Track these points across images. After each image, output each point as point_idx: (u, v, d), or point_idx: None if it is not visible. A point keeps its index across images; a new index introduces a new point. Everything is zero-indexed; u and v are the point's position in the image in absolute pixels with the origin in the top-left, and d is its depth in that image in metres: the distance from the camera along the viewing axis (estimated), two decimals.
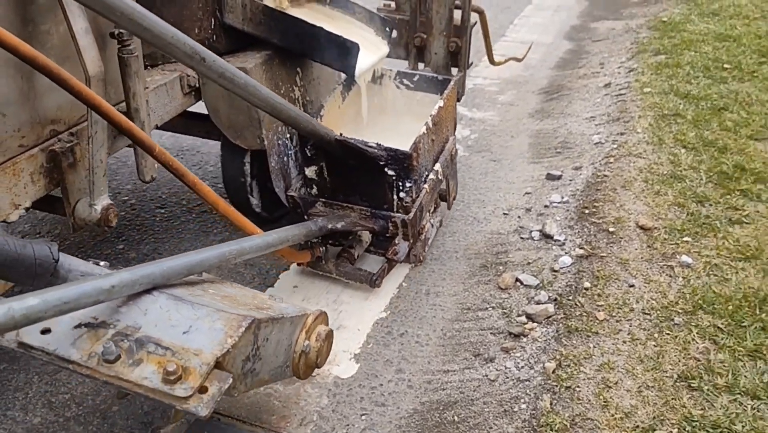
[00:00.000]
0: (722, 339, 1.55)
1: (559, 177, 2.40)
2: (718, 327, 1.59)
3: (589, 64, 3.58)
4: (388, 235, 1.73)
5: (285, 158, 1.78)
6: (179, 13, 1.58)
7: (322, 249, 1.81)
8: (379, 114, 2.03)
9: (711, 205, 2.10)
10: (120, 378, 1.02)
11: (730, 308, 1.64)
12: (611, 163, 2.40)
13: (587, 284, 1.76)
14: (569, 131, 2.77)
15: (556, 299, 1.74)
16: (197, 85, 1.67)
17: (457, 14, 2.05)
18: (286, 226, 1.57)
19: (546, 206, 2.23)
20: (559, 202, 2.23)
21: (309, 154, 1.68)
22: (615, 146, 2.52)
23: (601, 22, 4.40)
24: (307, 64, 1.87)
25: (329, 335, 1.33)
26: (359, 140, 1.60)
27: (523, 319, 1.69)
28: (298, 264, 1.84)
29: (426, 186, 1.77)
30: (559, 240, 2.01)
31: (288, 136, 1.79)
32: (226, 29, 1.68)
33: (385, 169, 1.64)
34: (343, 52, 1.67)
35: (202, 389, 1.01)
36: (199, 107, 1.74)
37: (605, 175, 2.31)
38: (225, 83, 1.28)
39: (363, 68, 1.74)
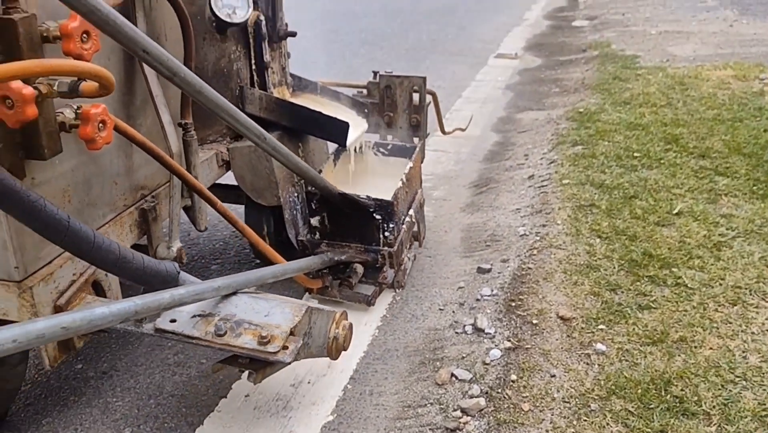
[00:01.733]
0: (633, 422, 1.74)
1: (489, 270, 2.61)
2: (629, 411, 1.78)
3: (514, 156, 3.88)
4: (377, 265, 2.36)
5: (294, 212, 2.34)
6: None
7: (329, 278, 2.37)
8: (362, 175, 2.69)
9: (623, 292, 2.33)
10: (230, 345, 1.55)
11: (639, 391, 1.84)
12: (534, 255, 2.63)
13: (514, 376, 1.95)
14: (497, 224, 3.01)
15: (487, 392, 1.91)
16: (227, 159, 2.20)
17: (416, 96, 2.70)
18: (307, 258, 2.24)
19: (477, 300, 2.43)
20: (489, 296, 2.43)
21: (314, 207, 2.33)
22: (538, 238, 2.76)
23: (525, 113, 4.75)
24: (306, 139, 2.43)
25: (351, 327, 1.83)
26: (354, 194, 2.24)
27: (458, 413, 1.85)
28: (308, 291, 2.39)
29: (404, 226, 2.44)
30: (490, 333, 2.20)
31: (296, 195, 2.36)
32: (246, 114, 2.10)
33: (374, 215, 2.28)
34: (337, 129, 2.26)
35: (285, 347, 1.56)
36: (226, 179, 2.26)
37: (529, 268, 2.53)
38: (275, 154, 1.83)
39: (351, 140, 2.38)
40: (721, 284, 2.38)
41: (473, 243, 2.88)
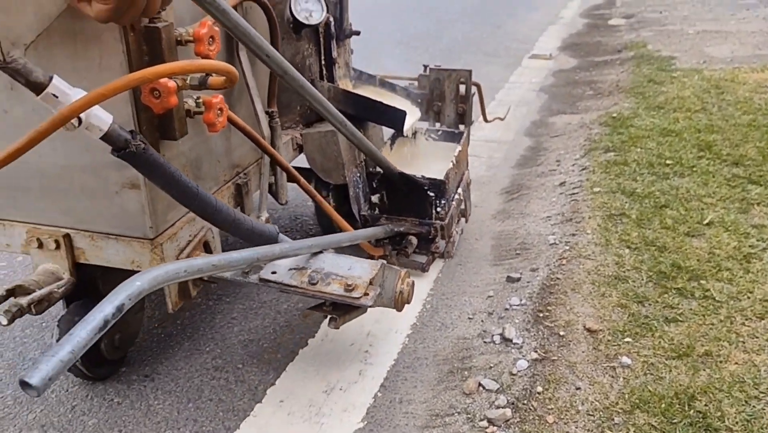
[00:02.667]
0: None
1: (518, 279, 2.66)
2: (653, 425, 1.83)
3: (546, 162, 3.91)
4: (430, 237, 2.70)
5: (357, 190, 2.65)
6: (294, 96, 2.44)
7: (389, 248, 2.71)
8: (415, 158, 3.00)
9: (650, 304, 2.36)
10: (322, 292, 1.86)
11: (663, 405, 1.89)
12: (563, 264, 2.67)
13: (540, 388, 2.00)
14: (528, 232, 3.05)
15: (513, 403, 1.97)
16: (300, 143, 2.52)
17: (462, 88, 3.02)
18: (372, 227, 2.62)
19: (506, 309, 2.48)
20: (517, 305, 2.49)
21: (374, 186, 2.71)
22: (567, 248, 2.80)
23: (558, 117, 4.77)
24: (366, 125, 2.68)
25: (413, 284, 2.09)
26: (411, 173, 2.60)
27: (485, 423, 1.91)
28: (370, 257, 2.51)
29: (453, 203, 2.77)
30: (518, 343, 2.25)
31: (359, 175, 2.66)
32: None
33: (428, 192, 2.62)
34: (396, 117, 2.55)
35: (366, 294, 1.86)
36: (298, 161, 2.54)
37: (558, 278, 2.58)
38: (351, 137, 2.20)
39: (407, 127, 2.69)
40: (749, 298, 2.40)
41: (503, 251, 2.93)
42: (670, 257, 2.64)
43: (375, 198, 2.73)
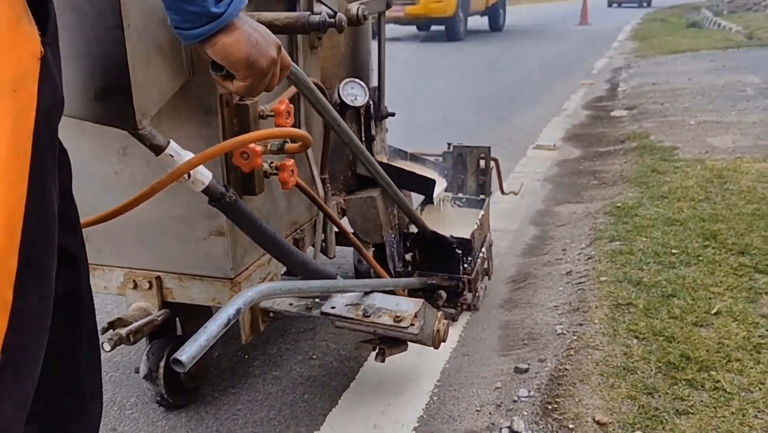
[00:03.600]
0: None
1: (526, 370, 2.64)
2: None
3: (552, 251, 3.93)
4: (458, 290, 3.05)
5: (392, 249, 2.97)
6: (337, 165, 2.79)
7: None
8: (442, 222, 3.32)
9: (660, 396, 2.33)
10: (375, 323, 2.15)
11: None
12: (571, 355, 2.65)
13: None
14: (535, 322, 3.05)
15: None
16: (344, 207, 2.85)
17: (482, 162, 3.48)
18: (408, 278, 3.01)
19: (514, 401, 2.45)
20: (526, 397, 2.46)
21: (407, 245, 3.08)
22: (575, 338, 2.79)
23: (563, 206, 4.83)
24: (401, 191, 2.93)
25: (448, 325, 2.39)
26: (443, 234, 2.98)
27: None
28: None
29: (478, 260, 3.15)
30: None
31: (393, 236, 2.99)
32: (356, 175, 2.92)
33: (456, 249, 2.98)
34: (426, 185, 3.02)
35: (412, 324, 2.14)
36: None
37: (566, 369, 2.56)
38: (392, 194, 2.69)
39: (436, 193, 3.12)
40: (761, 389, 2.37)
41: (511, 341, 2.92)
42: (678, 347, 2.62)
43: (408, 256, 3.09)
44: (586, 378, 2.47)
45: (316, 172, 2.44)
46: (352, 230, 2.82)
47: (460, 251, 2.98)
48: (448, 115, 8.33)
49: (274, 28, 1.68)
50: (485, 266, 3.34)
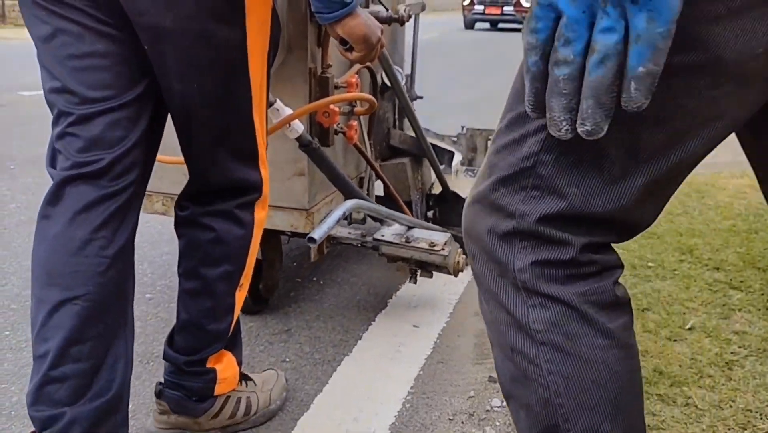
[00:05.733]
0: None
1: None
2: None
3: None
4: None
5: (417, 206, 3.47)
6: (376, 139, 3.27)
7: None
8: (456, 189, 3.68)
9: None
10: (415, 247, 2.74)
11: None
12: None
13: None
14: None
15: None
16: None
17: (489, 143, 3.57)
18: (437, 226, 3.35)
19: (487, 410, 2.45)
20: (498, 407, 2.45)
21: (429, 204, 3.68)
22: None
23: None
24: (422, 161, 3.55)
25: (466, 258, 2.60)
26: (460, 195, 3.53)
27: None
28: None
29: None
30: None
31: (418, 196, 3.52)
32: (390, 146, 3.42)
33: None
34: (447, 156, 3.74)
35: (443, 249, 2.72)
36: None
37: None
38: (430, 157, 3.41)
39: (454, 163, 3.78)
40: (731, 406, 2.38)
41: (486, 350, 2.91)
42: (652, 361, 2.63)
43: (430, 213, 3.67)
44: None
45: (366, 137, 3.00)
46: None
47: None
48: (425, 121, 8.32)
49: None
50: None
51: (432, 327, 3.07)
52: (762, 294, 3.33)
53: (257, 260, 2.66)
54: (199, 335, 2.09)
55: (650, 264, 3.60)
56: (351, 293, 3.42)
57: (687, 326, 2.93)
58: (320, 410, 2.46)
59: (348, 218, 3.03)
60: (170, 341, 2.13)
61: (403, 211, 3.16)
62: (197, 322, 2.08)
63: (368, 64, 2.70)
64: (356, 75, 2.54)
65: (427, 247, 2.72)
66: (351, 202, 2.49)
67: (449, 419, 2.43)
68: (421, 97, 3.62)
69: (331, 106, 2.37)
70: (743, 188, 5.11)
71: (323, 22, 1.81)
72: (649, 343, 2.78)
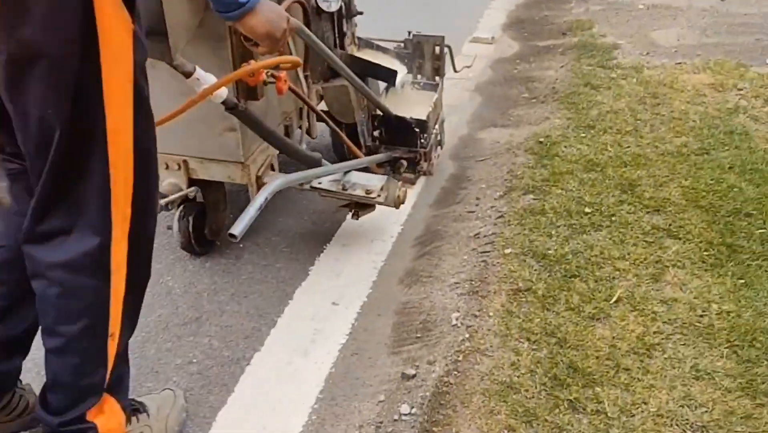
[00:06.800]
0: None
1: (413, 376, 2.55)
2: None
3: (466, 199, 3.74)
4: (416, 160, 3.75)
5: (363, 127, 3.55)
6: (317, 61, 3.14)
7: (387, 168, 3.72)
8: (402, 103, 3.80)
9: (539, 424, 2.27)
10: (351, 194, 3.00)
11: None
12: (459, 362, 2.56)
13: None
14: (432, 304, 2.93)
15: None
16: (321, 94, 3.39)
17: (437, 49, 3.93)
18: (376, 154, 3.64)
19: (395, 420, 2.38)
20: (407, 415, 2.39)
21: (375, 124, 3.68)
22: (467, 335, 2.69)
23: (488, 131, 4.57)
24: (367, 80, 3.47)
25: (406, 191, 3.20)
26: (403, 116, 3.59)
27: None
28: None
29: (432, 135, 3.81)
30: None
31: (363, 116, 3.55)
32: (331, 67, 3.15)
33: (414, 128, 3.62)
34: (389, 74, 3.58)
35: (378, 195, 2.98)
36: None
37: (450, 384, 2.47)
38: (361, 89, 3.23)
39: (397, 81, 3.71)
40: (642, 410, 2.32)
41: (404, 332, 2.81)
42: (568, 354, 2.54)
43: (376, 133, 3.69)
44: (468, 399, 2.39)
45: (300, 74, 2.92)
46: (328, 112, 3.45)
47: (417, 129, 3.60)
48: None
49: None
50: (438, 138, 4.02)
51: (351, 305, 2.95)
52: (700, 241, 3.20)
53: (200, 203, 3.03)
54: (71, 393, 1.96)
55: (587, 209, 3.43)
56: (272, 258, 3.26)
57: (613, 300, 2.82)
58: (223, 429, 2.39)
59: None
60: (43, 401, 2.00)
61: (342, 141, 3.42)
62: (67, 380, 1.94)
63: (299, 0, 2.75)
64: None
65: (363, 194, 2.96)
66: (273, 185, 2.54)
67: (356, 431, 2.37)
68: (361, 13, 3.50)
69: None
70: (703, 89, 4.83)
71: (225, 20, 1.93)
72: (570, 326, 2.68)
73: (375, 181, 3.00)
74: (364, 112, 3.55)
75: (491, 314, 2.78)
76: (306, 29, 2.59)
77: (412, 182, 3.81)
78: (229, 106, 2.33)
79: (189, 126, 2.59)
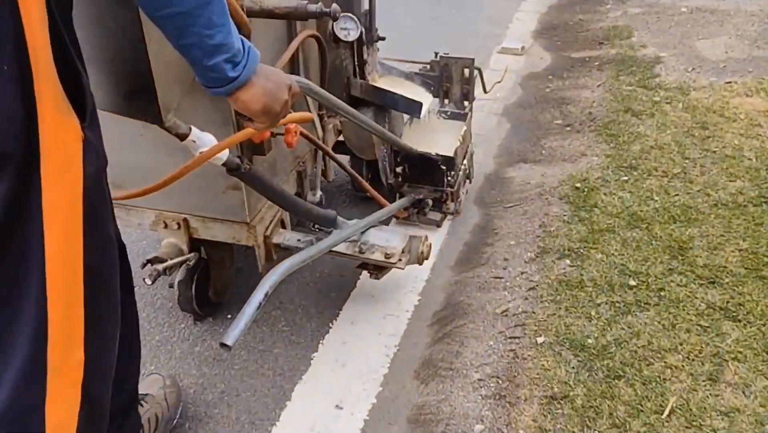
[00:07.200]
0: None
1: None
2: None
3: (492, 260, 3.31)
4: (443, 200, 3.48)
5: (385, 163, 3.34)
6: (332, 89, 2.71)
7: (411, 210, 3.49)
8: (428, 133, 3.56)
9: None
10: (369, 258, 2.66)
11: None
12: None
13: None
14: (452, 410, 2.52)
15: None
16: (339, 129, 3.12)
17: (466, 71, 3.56)
18: (399, 200, 3.38)
19: None
20: None
21: (398, 160, 3.41)
22: None
23: (518, 168, 4.12)
24: (390, 112, 3.28)
25: (431, 245, 2.86)
26: (428, 152, 3.30)
27: None
28: (396, 217, 3.54)
29: (460, 172, 3.50)
30: None
31: (386, 151, 3.31)
32: (350, 96, 3.08)
33: (440, 166, 3.33)
34: (414, 107, 3.12)
35: (400, 259, 2.65)
36: None
37: None
38: (366, 127, 2.80)
39: (423, 113, 3.18)
40: None
41: None
42: None
43: (399, 169, 3.41)
44: None
45: (314, 114, 2.65)
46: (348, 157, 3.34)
47: (444, 167, 3.33)
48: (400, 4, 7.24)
49: (274, 16, 2.02)
50: (467, 172, 3.71)
51: (358, 409, 2.55)
52: (763, 324, 2.75)
53: (203, 259, 2.77)
54: None
55: (631, 282, 2.99)
56: (269, 341, 2.87)
57: (665, 412, 2.39)
58: None
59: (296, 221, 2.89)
60: None
61: (363, 188, 3.16)
62: None
63: (313, 33, 2.51)
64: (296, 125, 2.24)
65: (382, 259, 2.64)
66: (275, 275, 2.10)
67: None
68: (383, 38, 3.22)
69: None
70: (757, 117, 4.33)
71: (212, 95, 1.55)
72: None
73: (396, 242, 2.70)
74: (386, 147, 3.31)
75: (521, 431, 2.37)
76: (316, 88, 2.23)
77: (438, 224, 3.53)
78: (231, 168, 2.02)
79: (189, 181, 2.30)
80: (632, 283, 2.99)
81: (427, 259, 2.81)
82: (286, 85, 1.60)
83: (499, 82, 4.65)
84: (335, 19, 2.18)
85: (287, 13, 2.06)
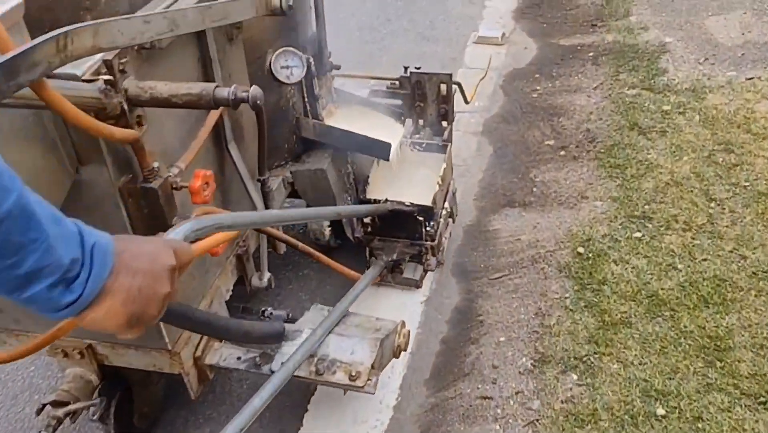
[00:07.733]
0: None
1: None
2: None
3: (477, 371, 2.59)
4: (422, 254, 2.86)
5: (348, 219, 2.84)
6: (278, 135, 2.49)
7: (384, 272, 2.86)
8: (401, 169, 2.94)
9: None
10: (329, 381, 2.11)
11: None
12: None
13: None
14: None
15: None
16: (291, 181, 2.62)
17: (443, 87, 2.93)
18: (367, 271, 2.72)
19: None
20: None
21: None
22: None
23: (504, 217, 3.36)
24: (354, 153, 2.84)
25: (408, 333, 2.32)
26: (402, 202, 2.71)
27: None
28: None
29: (441, 219, 2.89)
30: None
31: (350, 200, 2.81)
32: (301, 139, 2.64)
33: (417, 216, 2.74)
34: (381, 148, 2.66)
35: (368, 381, 2.07)
36: None
37: None
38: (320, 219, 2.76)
39: (392, 155, 2.70)
40: None
41: None
42: None
43: (367, 220, 2.83)
44: None
45: (250, 186, 2.19)
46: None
47: (421, 218, 2.76)
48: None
49: (172, 104, 1.54)
50: (450, 212, 3.09)
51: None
52: None
53: (123, 379, 2.27)
54: None
55: (659, 411, 2.30)
56: None
57: None
58: None
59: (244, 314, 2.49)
60: None
61: (327, 265, 2.59)
62: None
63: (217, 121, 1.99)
64: (202, 173, 1.77)
65: (346, 381, 2.08)
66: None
67: None
68: (338, 67, 2.81)
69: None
70: None
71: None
72: None
73: (363, 354, 2.13)
74: (351, 195, 2.86)
75: None
76: (227, 222, 1.58)
77: (418, 285, 2.95)
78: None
79: None
80: (659, 413, 2.29)
81: (405, 351, 2.33)
82: (167, 266, 1.05)
83: (482, 79, 4.00)
84: (255, 105, 1.63)
85: (188, 103, 1.54)
